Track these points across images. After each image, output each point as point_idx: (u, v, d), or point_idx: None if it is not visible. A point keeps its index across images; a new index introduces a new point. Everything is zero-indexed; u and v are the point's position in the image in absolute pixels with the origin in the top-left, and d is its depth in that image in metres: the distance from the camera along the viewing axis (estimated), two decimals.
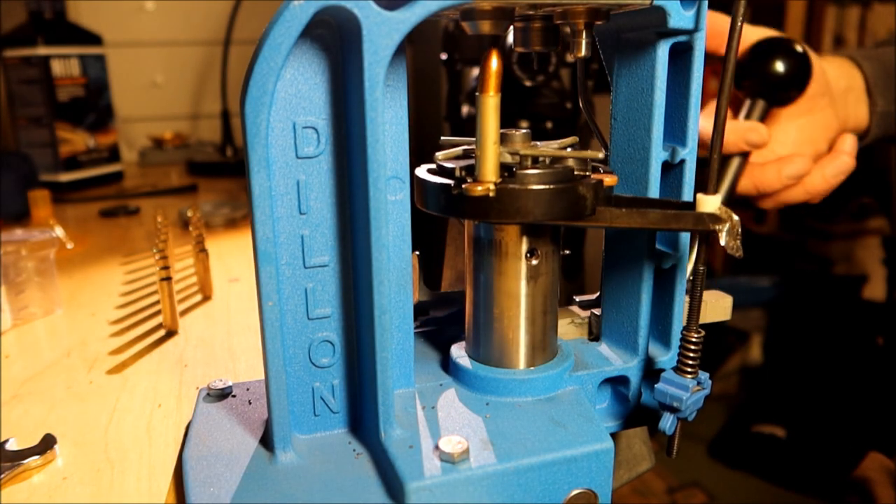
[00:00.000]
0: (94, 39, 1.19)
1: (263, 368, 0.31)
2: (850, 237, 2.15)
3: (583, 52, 0.34)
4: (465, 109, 0.99)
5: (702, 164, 0.57)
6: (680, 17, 0.33)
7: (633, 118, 0.36)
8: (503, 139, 0.32)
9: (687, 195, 0.36)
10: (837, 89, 0.63)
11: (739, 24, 0.31)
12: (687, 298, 0.34)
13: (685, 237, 0.37)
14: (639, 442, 0.51)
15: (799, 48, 0.57)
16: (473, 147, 0.31)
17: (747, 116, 0.58)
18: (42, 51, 1.08)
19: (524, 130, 0.33)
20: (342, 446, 0.33)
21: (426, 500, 0.29)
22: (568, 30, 0.35)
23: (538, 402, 0.35)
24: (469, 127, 0.98)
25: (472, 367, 0.36)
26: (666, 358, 0.38)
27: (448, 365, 0.38)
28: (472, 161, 0.32)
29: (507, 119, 0.96)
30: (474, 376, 0.36)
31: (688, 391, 0.32)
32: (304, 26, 0.27)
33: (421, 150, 0.36)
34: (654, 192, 0.36)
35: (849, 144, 0.61)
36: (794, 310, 2.01)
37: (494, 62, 0.28)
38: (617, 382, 0.38)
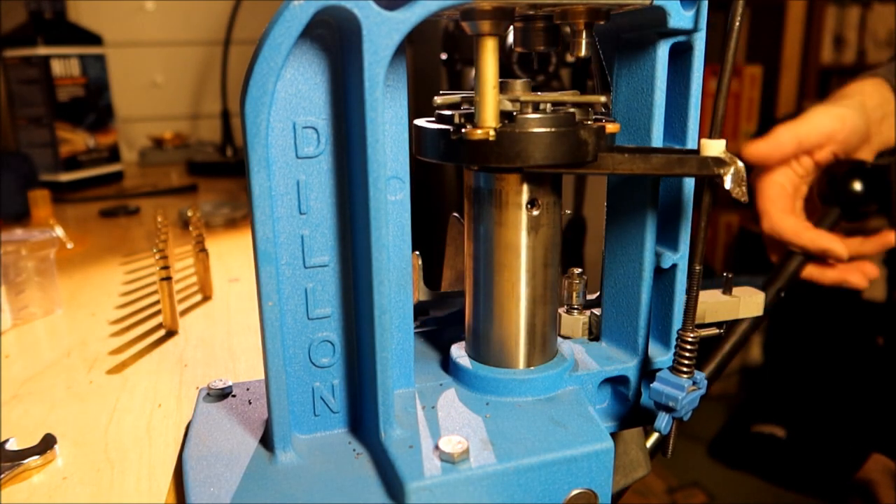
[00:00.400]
0: (94, 39, 1.19)
1: (263, 368, 0.31)
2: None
3: (583, 52, 0.34)
4: None
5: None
6: (680, 17, 0.33)
7: (633, 118, 0.36)
8: (503, 87, 0.32)
9: (687, 196, 0.36)
10: (874, 119, 0.64)
11: (738, 23, 0.31)
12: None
13: (686, 236, 0.37)
14: (635, 448, 0.51)
15: (869, 164, 0.62)
16: (472, 95, 0.31)
17: (820, 222, 0.62)
18: (42, 51, 1.08)
19: (524, 79, 0.32)
20: (342, 446, 0.33)
21: (426, 500, 0.29)
22: (568, 30, 0.35)
23: (538, 402, 0.35)
24: None
25: (472, 367, 0.36)
26: (666, 358, 0.38)
27: (448, 365, 0.38)
28: (471, 110, 0.32)
29: None
30: (474, 376, 0.36)
31: (683, 391, 0.32)
32: (304, 26, 0.27)
33: None
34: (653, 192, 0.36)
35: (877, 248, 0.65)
36: (794, 309, 2.01)
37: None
38: (617, 382, 0.38)
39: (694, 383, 0.33)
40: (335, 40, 0.30)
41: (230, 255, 0.76)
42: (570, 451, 0.31)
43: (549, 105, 0.32)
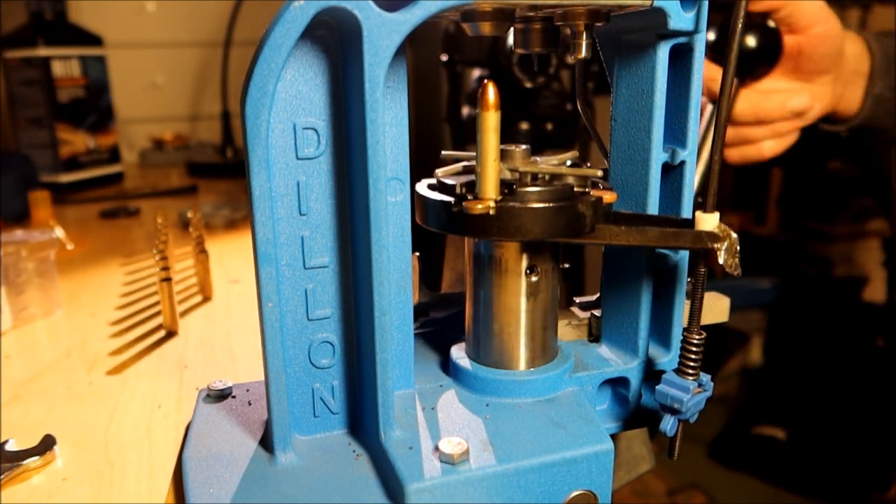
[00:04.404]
0: (95, 40, 1.19)
1: (263, 369, 0.31)
2: (851, 239, 2.15)
3: (583, 54, 0.34)
4: (465, 111, 0.99)
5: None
6: (680, 19, 0.33)
7: (634, 120, 0.36)
8: (503, 155, 0.33)
9: (687, 197, 0.36)
10: (847, 71, 0.63)
11: (740, 24, 0.31)
12: (688, 301, 0.34)
13: None
14: (639, 443, 0.51)
15: (771, 24, 0.59)
16: (473, 163, 0.32)
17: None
18: (42, 52, 1.08)
19: (524, 147, 0.33)
20: (342, 447, 0.33)
21: (426, 501, 0.29)
22: (568, 31, 0.35)
23: (538, 404, 0.35)
24: (469, 129, 0.98)
25: (471, 369, 0.36)
26: (666, 359, 0.38)
27: (448, 366, 0.38)
28: (472, 177, 0.33)
29: (508, 121, 0.96)
30: (474, 377, 0.36)
31: (689, 393, 0.32)
32: (305, 27, 0.27)
33: (421, 151, 0.36)
34: (654, 193, 0.36)
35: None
36: (795, 311, 2.00)
37: (491, 88, 0.28)
38: (617, 384, 0.38)
39: (699, 385, 0.33)
40: (336, 41, 0.30)
41: (230, 256, 0.76)
42: (569, 452, 0.31)
43: (547, 175, 0.32)
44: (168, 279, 0.53)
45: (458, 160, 0.36)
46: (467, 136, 1.01)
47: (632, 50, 0.35)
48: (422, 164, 0.35)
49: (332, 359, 0.34)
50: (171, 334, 0.54)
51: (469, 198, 0.31)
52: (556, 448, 0.31)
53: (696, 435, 1.80)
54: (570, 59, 0.90)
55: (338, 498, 0.29)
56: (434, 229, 0.34)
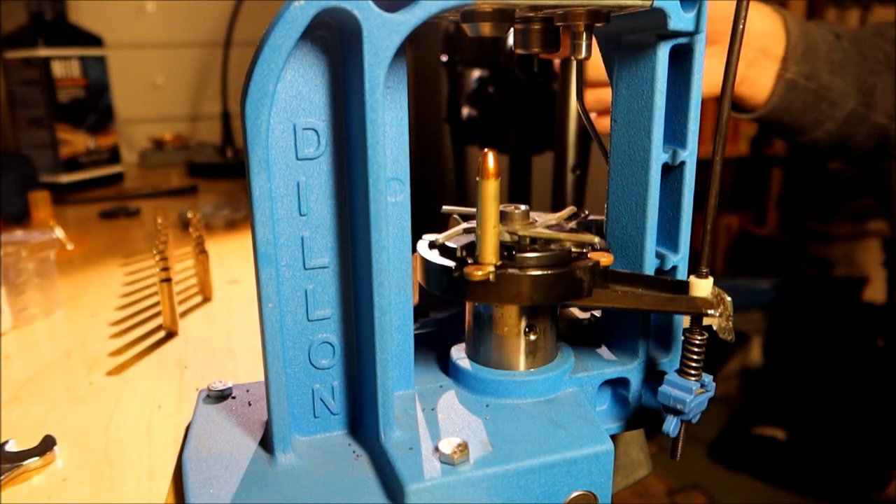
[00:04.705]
0: (95, 41, 1.19)
1: (263, 370, 0.31)
2: (851, 239, 2.15)
3: (583, 55, 0.34)
4: (465, 111, 0.99)
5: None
6: (680, 19, 0.33)
7: (634, 120, 0.36)
8: (502, 217, 0.33)
9: (687, 197, 0.36)
10: (751, 49, 0.57)
11: (742, 25, 0.31)
12: None
13: (686, 237, 0.36)
14: (636, 448, 0.51)
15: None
16: (473, 224, 0.32)
17: None
18: (42, 52, 1.08)
19: (523, 208, 0.34)
20: (342, 448, 0.33)
21: (426, 502, 0.29)
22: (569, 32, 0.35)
23: (538, 404, 0.35)
24: (469, 129, 0.98)
25: (472, 369, 0.36)
26: (666, 360, 0.38)
27: (448, 367, 0.38)
28: (472, 238, 0.33)
29: (507, 122, 0.96)
30: (474, 378, 0.36)
31: (691, 393, 0.33)
32: (305, 28, 0.27)
33: (421, 151, 0.36)
34: (653, 193, 0.36)
35: None
36: (795, 312, 2.01)
37: (491, 157, 0.29)
38: (617, 384, 0.38)
39: (702, 385, 0.33)
40: (336, 42, 0.30)
41: (230, 256, 0.76)
42: (569, 452, 0.31)
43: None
44: (168, 279, 0.53)
45: (458, 217, 0.37)
46: (467, 136, 1.01)
47: (632, 50, 0.35)
48: (422, 164, 0.35)
49: (332, 359, 0.34)
50: (171, 335, 0.54)
51: (469, 261, 0.31)
52: (556, 449, 0.31)
53: (697, 435, 1.80)
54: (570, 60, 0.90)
55: (338, 498, 0.29)
56: (435, 292, 0.34)
